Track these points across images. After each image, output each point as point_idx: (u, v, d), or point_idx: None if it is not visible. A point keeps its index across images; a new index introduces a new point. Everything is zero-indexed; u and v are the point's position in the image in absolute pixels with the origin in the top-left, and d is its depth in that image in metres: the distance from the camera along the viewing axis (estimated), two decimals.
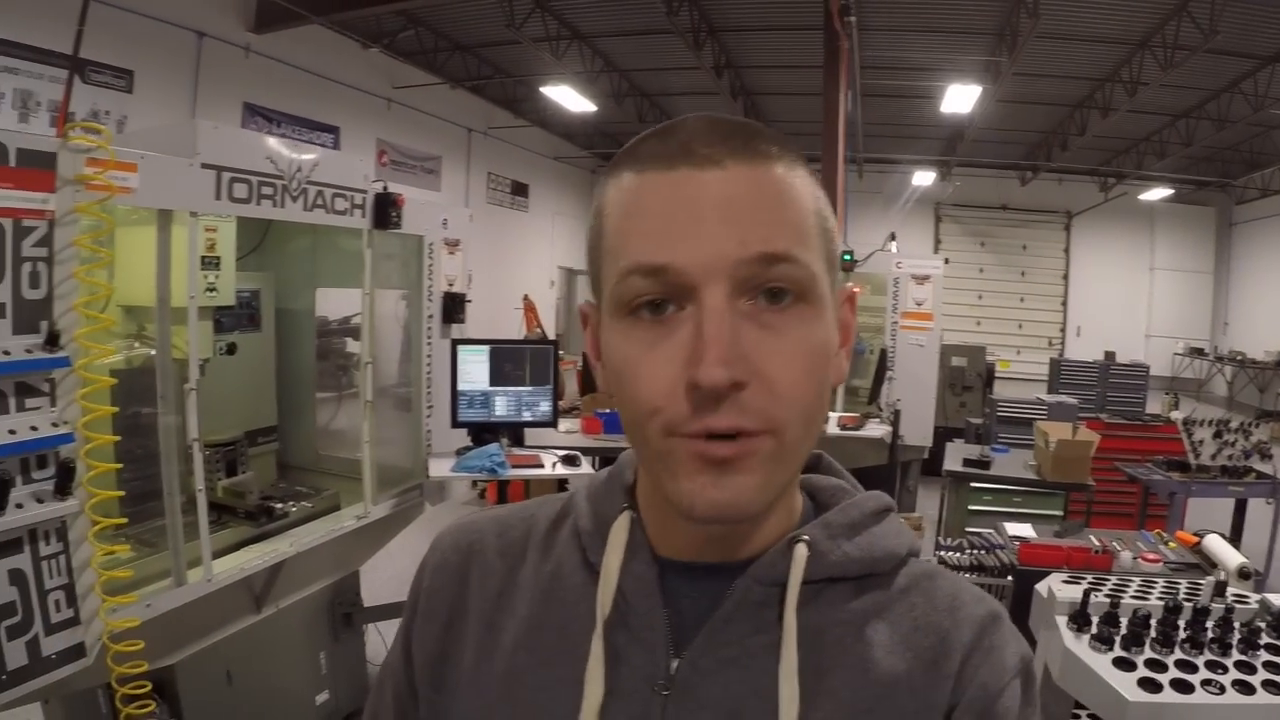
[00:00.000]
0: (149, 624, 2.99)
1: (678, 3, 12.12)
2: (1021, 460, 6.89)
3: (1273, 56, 12.55)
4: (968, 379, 11.60)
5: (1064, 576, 3.14)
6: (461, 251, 4.96)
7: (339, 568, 4.49)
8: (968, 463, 6.76)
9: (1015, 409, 9.55)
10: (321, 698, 4.44)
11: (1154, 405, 12.03)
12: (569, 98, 15.42)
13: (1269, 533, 6.67)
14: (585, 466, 5.04)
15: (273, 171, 3.54)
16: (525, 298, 15.35)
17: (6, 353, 2.50)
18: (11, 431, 2.51)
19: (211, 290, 3.80)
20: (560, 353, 7.06)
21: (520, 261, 20.37)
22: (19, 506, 2.52)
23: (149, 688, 3.00)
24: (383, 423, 4.60)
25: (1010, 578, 3.99)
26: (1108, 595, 2.93)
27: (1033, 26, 11.05)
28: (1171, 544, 4.18)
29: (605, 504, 0.96)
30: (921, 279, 8.49)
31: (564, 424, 6.64)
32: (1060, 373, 14.65)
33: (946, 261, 9.36)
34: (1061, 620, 2.84)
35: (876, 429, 7.48)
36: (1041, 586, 3.09)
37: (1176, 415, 8.18)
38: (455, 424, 5.00)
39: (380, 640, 4.91)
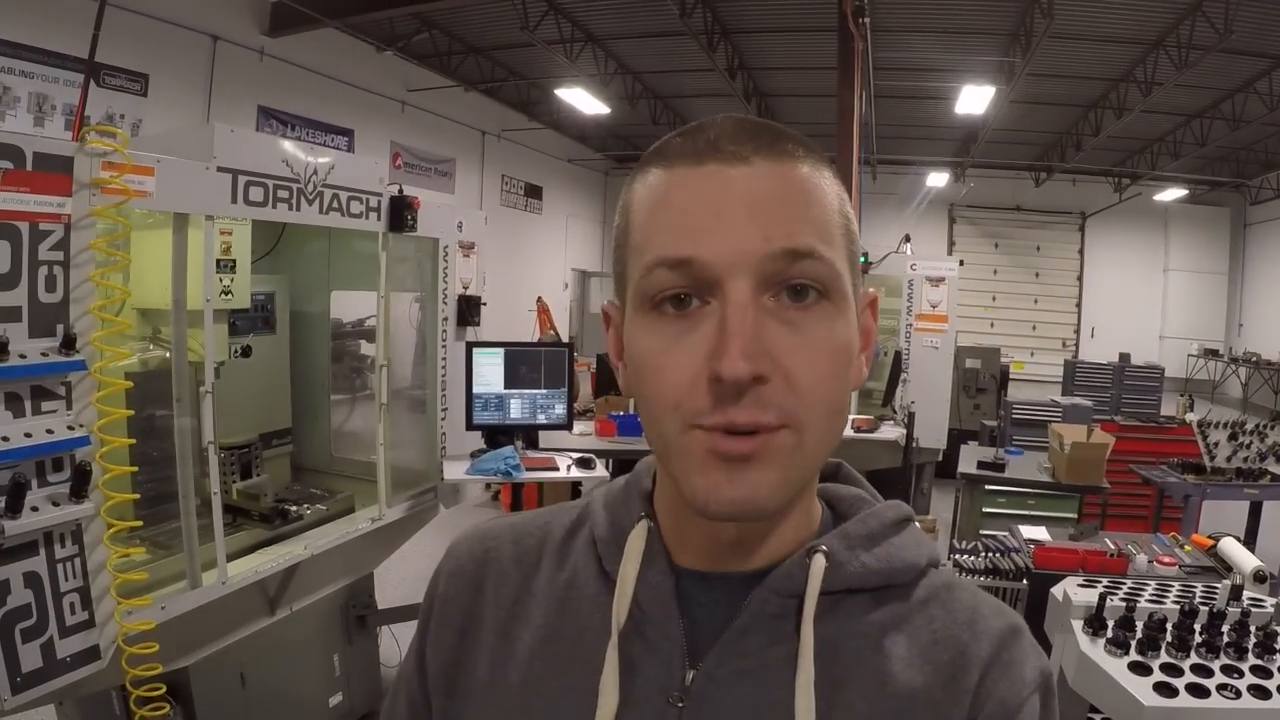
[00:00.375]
0: (163, 626, 3.00)
1: (691, 5, 12.12)
2: (1036, 463, 6.87)
3: None
4: (982, 381, 11.56)
5: (1079, 580, 3.13)
6: (476, 254, 4.96)
7: (353, 570, 4.49)
8: (982, 465, 6.75)
9: (1029, 411, 9.52)
10: (335, 700, 4.44)
11: (1168, 407, 11.97)
12: (582, 100, 15.44)
13: None
14: (600, 469, 5.04)
15: (288, 175, 3.55)
16: (539, 300, 15.34)
17: (23, 356, 2.51)
18: (28, 434, 2.52)
19: (227, 293, 3.81)
20: (575, 355, 7.06)
21: (534, 264, 20.40)
22: (35, 509, 2.53)
23: (163, 690, 3.01)
24: (397, 425, 4.60)
25: (1025, 581, 3.98)
26: (1123, 599, 2.92)
27: (1047, 27, 11.01)
28: (1187, 547, 4.16)
29: (622, 512, 0.96)
30: (936, 281, 8.47)
31: (578, 426, 6.64)
32: (1075, 374, 14.60)
33: (961, 263, 9.33)
34: (1077, 624, 2.83)
35: (891, 431, 7.46)
36: (1057, 590, 3.08)
37: (1191, 417, 8.15)
38: (470, 426, 5.00)
39: (394, 643, 4.92)
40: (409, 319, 4.94)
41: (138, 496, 2.92)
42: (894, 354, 8.32)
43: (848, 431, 7.14)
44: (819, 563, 0.85)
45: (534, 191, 21.37)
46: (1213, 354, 22.37)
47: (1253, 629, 2.74)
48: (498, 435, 5.06)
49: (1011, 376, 12.92)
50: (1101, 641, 2.73)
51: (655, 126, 18.52)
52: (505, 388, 5.06)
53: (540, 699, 0.89)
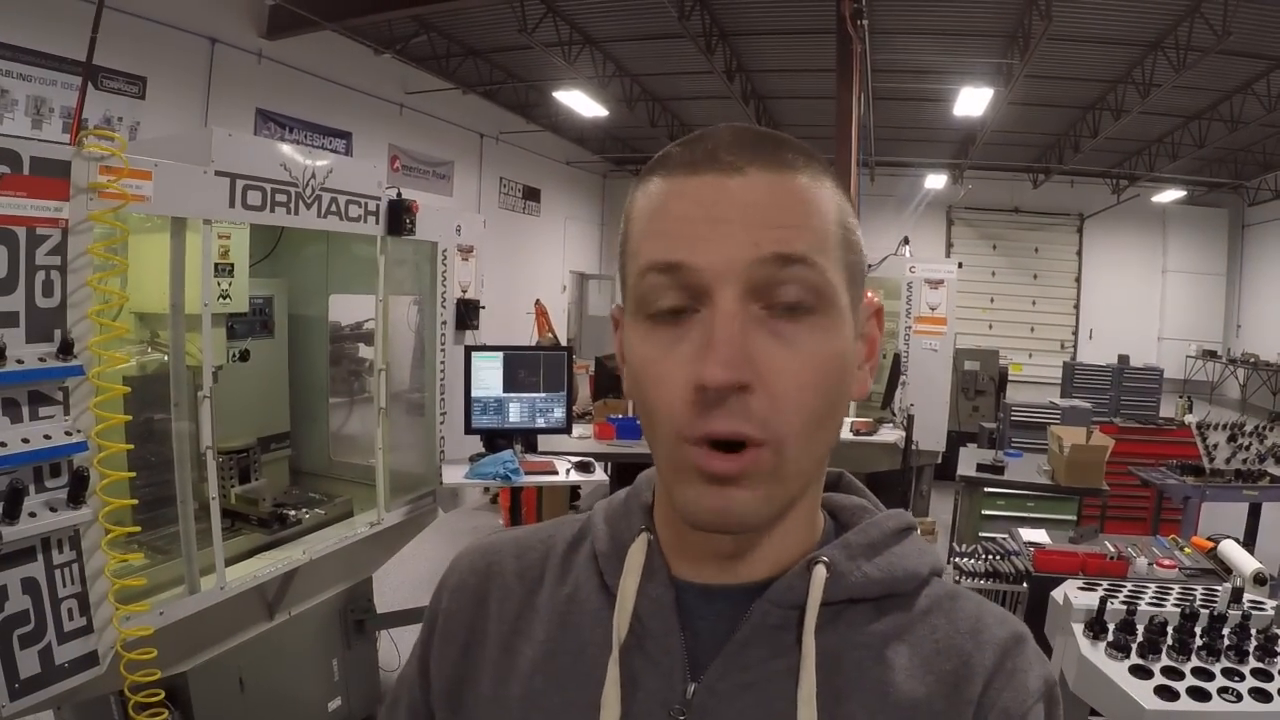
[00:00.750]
0: (162, 632, 2.99)
1: (689, 7, 12.13)
2: (1035, 465, 6.87)
3: None
4: (981, 383, 11.56)
5: (1080, 583, 3.13)
6: (475, 257, 4.96)
7: (352, 574, 4.49)
8: (981, 468, 6.75)
9: (1028, 413, 9.53)
10: (334, 704, 4.44)
11: (1167, 409, 11.99)
12: (581, 102, 15.44)
13: None
14: (599, 473, 5.04)
15: (287, 178, 3.54)
16: (537, 303, 15.34)
17: (20, 361, 2.51)
18: (25, 440, 2.51)
19: (225, 297, 3.80)
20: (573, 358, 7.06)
21: (532, 266, 20.42)
22: (32, 515, 2.52)
23: (162, 695, 3.00)
24: (396, 429, 4.60)
25: (1025, 584, 3.98)
26: (1124, 602, 2.92)
27: (1045, 28, 11.01)
28: (1187, 549, 4.16)
29: (622, 525, 0.96)
30: (935, 283, 8.47)
31: (577, 430, 6.64)
32: (1073, 376, 14.63)
33: (960, 265, 9.33)
34: (1078, 627, 2.83)
35: (890, 434, 7.46)
36: (1057, 593, 3.08)
37: (1190, 419, 8.15)
38: (469, 430, 5.00)
39: (393, 647, 4.91)
40: (407, 322, 4.93)
41: (136, 502, 2.92)
42: (893, 356, 8.32)
43: (846, 434, 7.15)
44: (820, 574, 0.85)
45: (532, 194, 21.38)
46: (1211, 355, 22.40)
47: (1253, 632, 2.74)
48: (496, 439, 5.05)
49: (1010, 378, 12.93)
50: (1102, 645, 2.73)
51: (653, 129, 18.55)
52: (504, 391, 5.06)
53: (542, 714, 0.89)
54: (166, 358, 3.43)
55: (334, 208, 3.83)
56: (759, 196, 0.78)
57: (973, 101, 14.04)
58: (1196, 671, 2.59)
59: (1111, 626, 2.79)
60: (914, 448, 7.46)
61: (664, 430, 0.79)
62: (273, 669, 3.98)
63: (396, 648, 4.90)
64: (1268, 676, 2.58)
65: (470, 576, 1.02)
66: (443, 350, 4.84)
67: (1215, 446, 7.13)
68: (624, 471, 6.76)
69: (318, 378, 4.97)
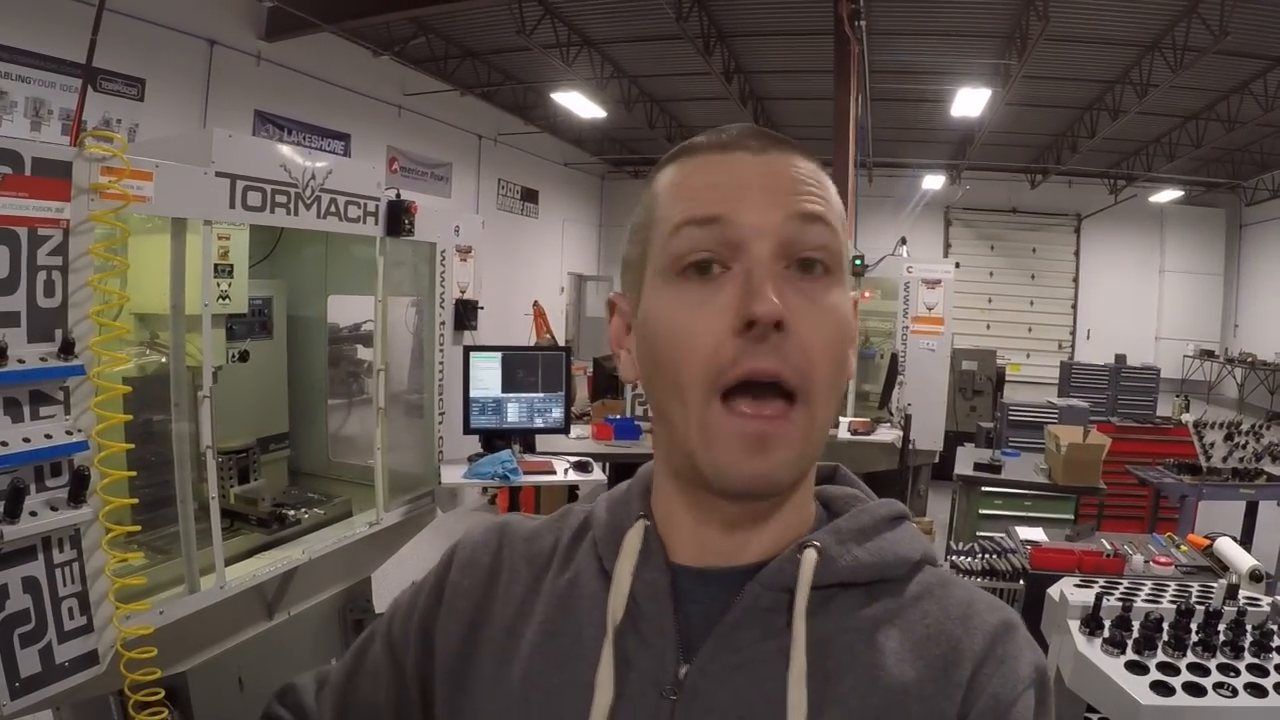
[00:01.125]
0: (162, 631, 3.00)
1: (687, 8, 12.14)
2: (1032, 464, 6.88)
3: None
4: (978, 383, 11.57)
5: (1076, 580, 3.14)
6: (474, 258, 4.96)
7: (351, 574, 4.49)
8: (979, 467, 6.75)
9: (1026, 413, 9.54)
10: None
11: (1164, 408, 11.98)
12: (579, 104, 15.45)
13: None
14: (597, 473, 5.05)
15: (286, 179, 3.55)
16: (535, 304, 15.37)
17: (21, 361, 2.51)
18: (26, 439, 2.52)
19: (224, 298, 3.81)
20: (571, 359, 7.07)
21: (530, 268, 20.42)
22: (33, 514, 2.53)
23: (161, 695, 3.00)
24: (395, 429, 4.60)
25: (1022, 582, 3.99)
26: (1120, 599, 2.93)
27: (1042, 29, 11.03)
28: (1183, 547, 4.17)
29: (621, 512, 0.98)
30: (932, 283, 8.49)
31: (575, 430, 6.64)
32: (1071, 376, 14.63)
33: (957, 266, 9.34)
34: (1074, 624, 2.83)
35: (887, 434, 7.47)
36: (1054, 590, 3.09)
37: (1187, 418, 8.16)
38: (467, 430, 5.01)
39: None
40: (405, 323, 4.94)
41: (136, 501, 2.92)
42: (890, 356, 8.33)
43: (844, 434, 7.17)
44: (810, 557, 0.87)
45: (530, 195, 21.38)
46: (1208, 355, 22.42)
47: (1249, 628, 2.75)
48: (495, 439, 5.06)
49: (1007, 378, 12.95)
50: (1098, 641, 2.74)
51: (651, 130, 18.55)
52: (502, 392, 5.07)
53: (540, 694, 0.91)
54: (164, 359, 3.44)
55: (333, 209, 3.84)
56: (782, 170, 0.87)
57: (970, 102, 14.06)
58: (1192, 667, 2.60)
59: (1107, 623, 2.79)
60: (911, 447, 7.47)
61: (693, 383, 0.82)
62: (272, 668, 3.98)
63: None
64: (1263, 672, 2.59)
65: (483, 554, 1.05)
66: (441, 351, 4.85)
67: (1212, 445, 7.14)
68: (622, 471, 6.75)
69: (316, 378, 4.97)
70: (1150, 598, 3.00)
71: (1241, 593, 3.00)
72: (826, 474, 1.03)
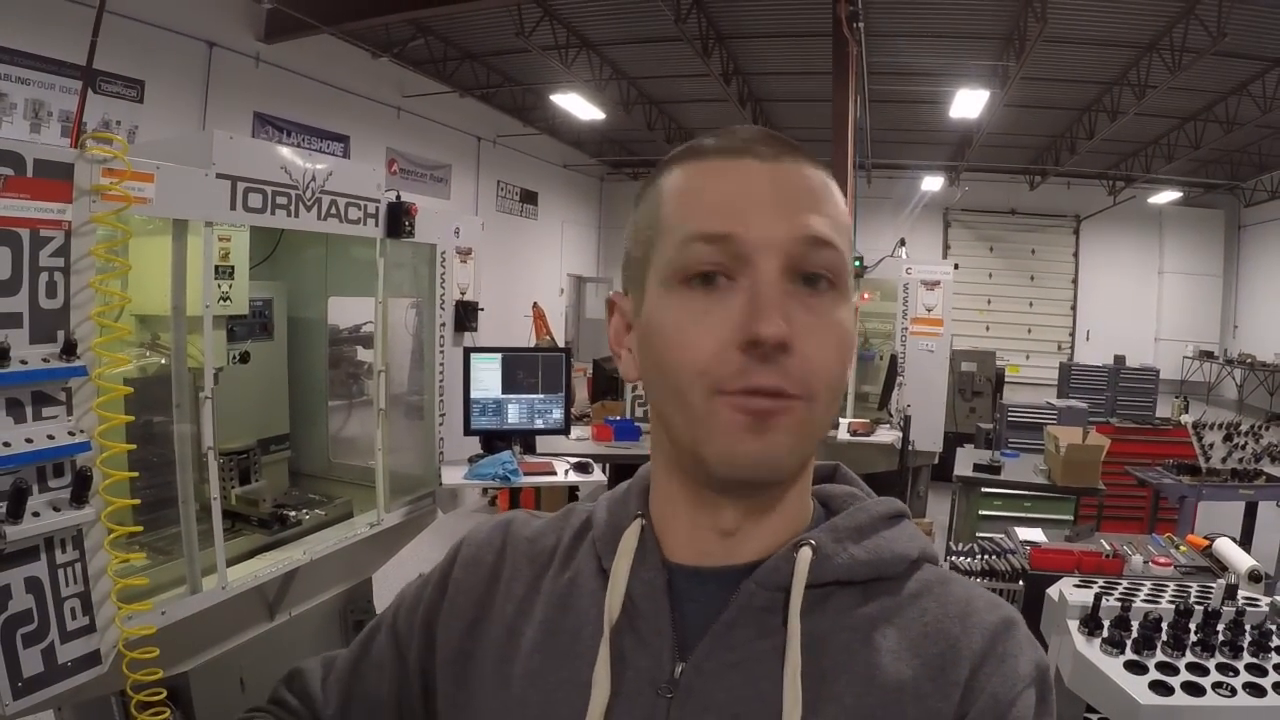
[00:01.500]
0: (164, 631, 3.00)
1: (686, 10, 12.15)
2: (1032, 465, 6.89)
3: None
4: (978, 384, 11.58)
5: (1075, 581, 3.14)
6: (474, 260, 4.97)
7: (351, 575, 4.49)
8: (978, 468, 6.76)
9: (1025, 414, 9.55)
10: None
11: (1164, 409, 11.98)
12: (578, 105, 15.46)
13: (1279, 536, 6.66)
14: (597, 474, 5.05)
15: (287, 181, 3.55)
16: (535, 305, 15.37)
17: (24, 362, 2.51)
18: (29, 440, 2.52)
19: (225, 299, 3.81)
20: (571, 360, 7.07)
21: (529, 269, 20.43)
22: (36, 515, 2.53)
23: (163, 695, 3.01)
24: (395, 430, 4.60)
25: (1021, 582, 3.99)
26: (1119, 599, 2.93)
27: (1040, 30, 11.05)
28: (1182, 548, 4.17)
29: (620, 512, 0.99)
30: (931, 284, 8.49)
31: (575, 431, 6.65)
32: (1070, 377, 14.64)
33: (956, 267, 9.35)
34: (1073, 624, 2.84)
35: (887, 435, 7.48)
36: (1053, 591, 3.09)
37: (1186, 419, 8.17)
38: (468, 432, 5.01)
39: None
40: (405, 324, 4.94)
41: (138, 502, 2.92)
42: (890, 357, 8.34)
43: (844, 435, 7.17)
44: (805, 555, 0.88)
45: (529, 197, 21.39)
46: (1208, 356, 22.42)
47: (1248, 628, 2.76)
48: (495, 440, 5.07)
49: (1007, 379, 12.96)
50: (1097, 641, 2.74)
51: (650, 131, 18.56)
52: (503, 393, 5.07)
53: (538, 691, 0.92)
54: (164, 360, 3.44)
55: (334, 210, 3.84)
56: (792, 182, 0.86)
57: (969, 104, 14.07)
58: (1191, 667, 2.61)
59: (1107, 623, 2.80)
60: (911, 448, 7.48)
61: (695, 387, 0.82)
62: (273, 669, 3.93)
63: None
64: (1262, 671, 2.59)
65: (486, 552, 1.06)
66: (441, 352, 4.86)
67: (1211, 446, 7.15)
68: (622, 472, 6.76)
69: (317, 380, 4.97)
70: (1149, 598, 3.01)
71: (1240, 593, 3.01)
72: (826, 473, 1.04)
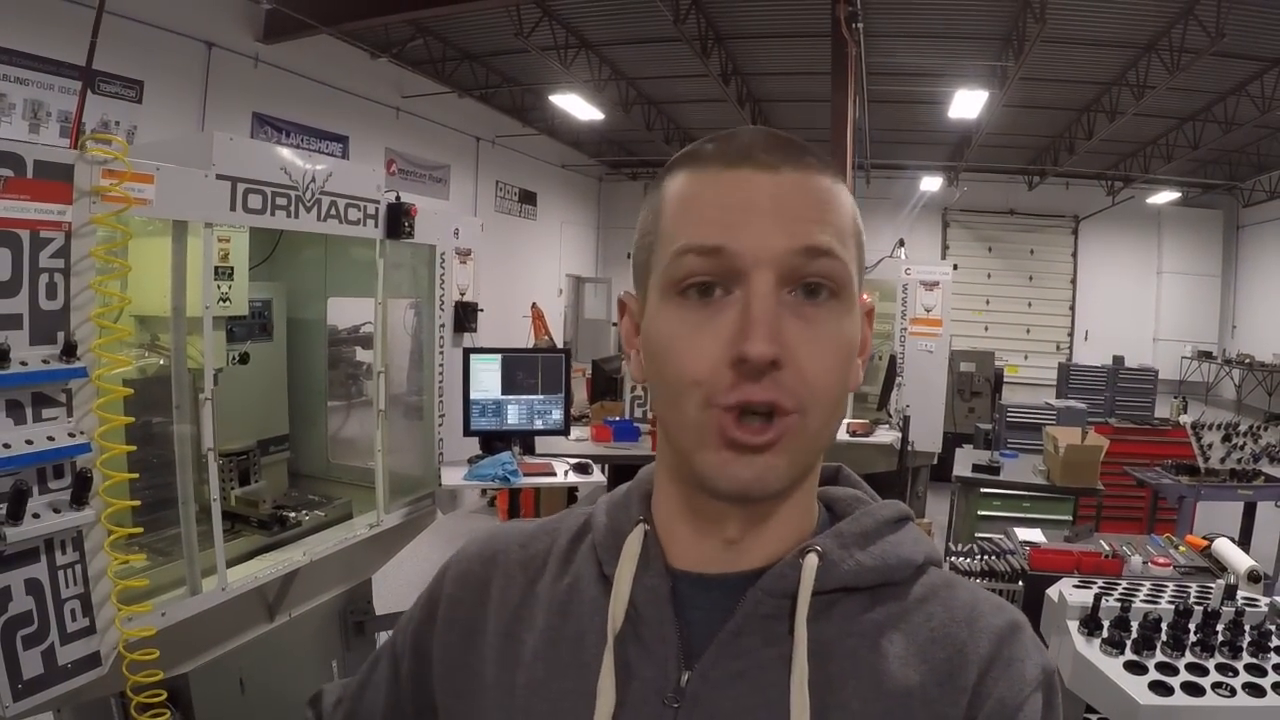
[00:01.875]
0: (164, 633, 3.00)
1: (685, 11, 12.15)
2: (1031, 465, 6.90)
3: (1279, 58, 12.52)
4: (976, 384, 11.59)
5: (1075, 581, 3.15)
6: (473, 261, 4.97)
7: (351, 576, 4.50)
8: (977, 468, 6.77)
9: (1024, 414, 9.56)
10: None
11: (1162, 409, 12.00)
12: (577, 106, 15.46)
13: (1278, 536, 6.65)
14: (597, 474, 5.05)
15: (287, 182, 3.55)
16: (533, 306, 15.37)
17: (24, 363, 2.52)
18: (29, 441, 2.52)
19: (225, 300, 3.82)
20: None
21: (528, 269, 20.42)
22: (36, 516, 2.53)
23: (164, 696, 3.01)
24: (394, 431, 4.60)
25: (1021, 583, 4.00)
26: (1118, 599, 2.94)
27: (1039, 31, 11.05)
28: (1181, 548, 4.18)
29: (621, 516, 0.98)
30: (930, 285, 8.50)
31: (575, 432, 6.65)
32: (1069, 377, 14.63)
33: (955, 268, 9.36)
34: (1073, 625, 2.85)
35: (886, 435, 7.47)
36: (1052, 591, 3.10)
37: (1185, 419, 8.17)
38: (467, 432, 5.01)
39: None
40: (404, 325, 4.94)
41: (138, 503, 2.92)
42: (889, 358, 8.34)
43: (843, 435, 7.17)
44: (811, 562, 0.87)
45: (528, 197, 21.38)
46: (1206, 356, 22.40)
47: (1247, 628, 2.76)
48: (495, 441, 5.07)
49: (1006, 380, 12.97)
50: (1097, 642, 2.75)
51: (649, 132, 18.55)
52: (502, 394, 5.07)
53: (542, 701, 0.91)
54: (163, 360, 3.44)
55: (333, 211, 3.84)
56: (791, 192, 0.84)
57: (967, 104, 14.07)
58: (1190, 667, 2.61)
59: (1106, 623, 2.81)
60: (910, 449, 7.47)
61: (691, 399, 0.82)
62: (273, 670, 3.99)
63: None
64: (1261, 672, 2.60)
65: (475, 564, 1.05)
66: (441, 353, 4.86)
67: (1210, 446, 7.16)
68: (621, 473, 6.76)
69: (316, 380, 4.98)
70: (1149, 598, 3.02)
71: (1239, 593, 3.02)
72: (829, 475, 1.03)
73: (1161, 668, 2.61)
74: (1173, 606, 2.84)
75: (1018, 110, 15.97)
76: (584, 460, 5.15)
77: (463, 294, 4.96)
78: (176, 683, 3.36)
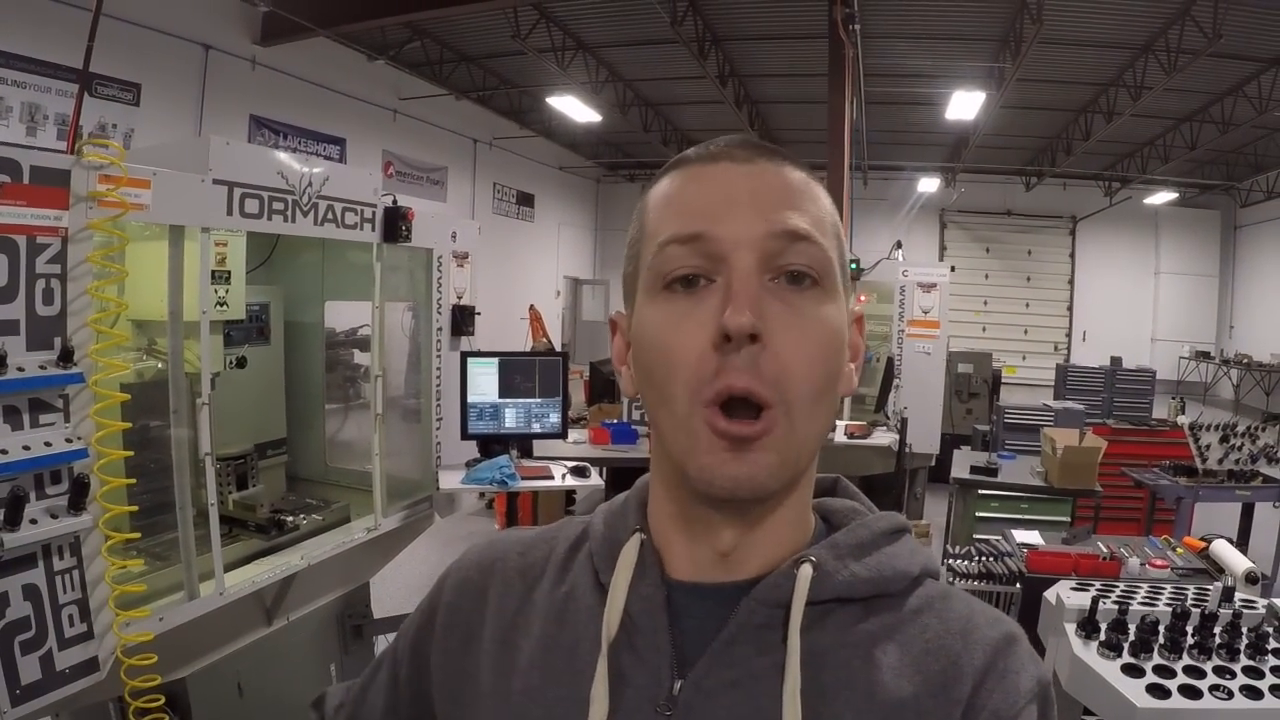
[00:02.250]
0: (162, 637, 3.00)
1: (682, 13, 12.15)
2: (1028, 467, 6.90)
3: (1276, 59, 12.54)
4: (974, 386, 11.60)
5: (1072, 583, 3.15)
6: (470, 264, 4.97)
7: (349, 580, 4.49)
8: (975, 470, 6.77)
9: (1022, 415, 9.55)
10: None
11: (1160, 410, 12.00)
12: (574, 108, 15.46)
13: (1276, 537, 6.65)
14: (594, 477, 5.05)
15: (284, 186, 3.55)
16: (531, 308, 15.36)
17: (21, 369, 2.52)
18: (26, 447, 2.52)
19: (222, 304, 3.81)
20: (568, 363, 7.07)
21: (526, 272, 20.42)
22: (33, 522, 2.53)
23: (162, 701, 3.01)
24: (392, 435, 4.60)
25: (1018, 585, 4.00)
26: (1116, 602, 2.94)
27: (1036, 32, 11.05)
28: (1179, 549, 4.18)
29: (618, 525, 0.98)
30: (928, 286, 8.51)
31: (572, 435, 6.65)
32: (1066, 378, 14.64)
33: (953, 269, 9.36)
34: (1070, 627, 2.85)
35: (884, 437, 7.47)
36: (1050, 594, 3.10)
37: (1183, 420, 8.17)
38: (465, 436, 5.01)
39: None
40: (402, 328, 4.94)
41: (135, 508, 2.92)
42: (886, 360, 8.35)
43: (841, 437, 7.17)
44: (805, 572, 0.87)
45: (526, 199, 21.37)
46: (1204, 356, 22.42)
47: (1244, 630, 2.76)
48: (492, 444, 5.07)
49: (1003, 381, 12.97)
50: (1094, 644, 2.75)
51: (646, 134, 18.56)
52: (500, 397, 5.07)
53: (536, 707, 0.91)
54: (161, 365, 3.44)
55: (330, 215, 3.84)
56: (768, 182, 0.87)
57: (965, 105, 14.08)
58: (1188, 670, 2.61)
59: (1104, 626, 2.81)
60: (908, 450, 7.48)
61: (679, 395, 0.82)
62: (271, 674, 3.98)
63: None
64: (1259, 674, 2.60)
65: (473, 572, 1.06)
66: (438, 356, 4.86)
67: (1208, 447, 7.16)
68: (619, 476, 6.76)
69: (313, 384, 4.97)
70: (1146, 600, 3.02)
71: (1237, 595, 3.02)
72: (827, 486, 1.03)
73: (1159, 670, 2.61)
74: (1170, 609, 2.84)
75: (1015, 111, 15.99)
76: (582, 463, 5.15)
77: (460, 297, 4.96)
78: (175, 687, 3.36)
